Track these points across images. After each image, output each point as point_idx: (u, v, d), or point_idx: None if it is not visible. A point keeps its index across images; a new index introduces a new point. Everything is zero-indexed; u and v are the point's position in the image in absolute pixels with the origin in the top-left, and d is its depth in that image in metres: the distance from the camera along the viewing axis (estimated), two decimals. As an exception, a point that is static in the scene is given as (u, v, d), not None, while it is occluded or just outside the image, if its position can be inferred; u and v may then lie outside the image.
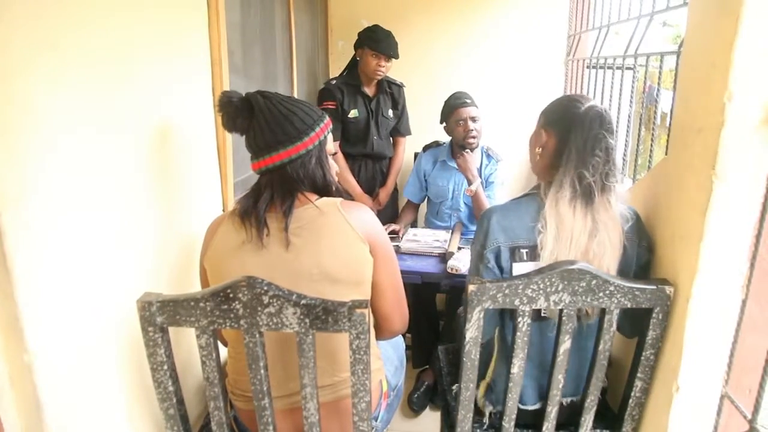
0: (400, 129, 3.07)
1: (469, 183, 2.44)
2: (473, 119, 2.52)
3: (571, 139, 1.27)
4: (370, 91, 2.90)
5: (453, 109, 2.55)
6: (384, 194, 3.05)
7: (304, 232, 1.22)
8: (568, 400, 1.39)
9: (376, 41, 2.75)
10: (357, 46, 2.85)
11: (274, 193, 1.25)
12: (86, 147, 1.10)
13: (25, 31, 0.93)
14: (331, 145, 1.38)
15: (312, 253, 1.21)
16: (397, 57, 2.81)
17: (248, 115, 1.28)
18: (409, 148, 3.16)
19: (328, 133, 1.34)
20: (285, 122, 1.25)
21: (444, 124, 2.64)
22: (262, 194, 1.25)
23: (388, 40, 2.77)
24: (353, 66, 2.92)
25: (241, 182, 1.96)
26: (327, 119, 1.34)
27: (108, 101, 1.17)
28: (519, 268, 1.32)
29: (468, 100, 2.55)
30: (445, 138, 2.72)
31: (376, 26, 2.81)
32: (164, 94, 1.42)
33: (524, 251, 1.32)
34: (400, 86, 3.02)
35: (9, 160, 0.90)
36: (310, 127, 1.27)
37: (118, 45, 1.21)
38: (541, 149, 1.37)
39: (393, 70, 3.00)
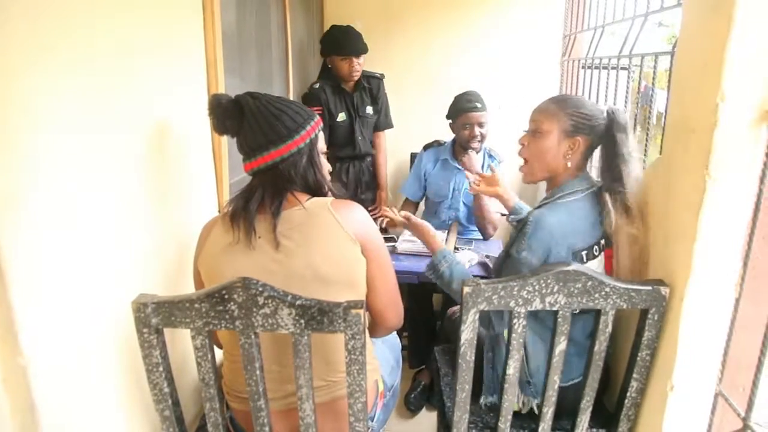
0: (380, 124, 3.04)
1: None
2: (481, 125, 2.52)
3: (611, 141, 1.41)
4: (348, 88, 2.88)
5: (462, 112, 2.54)
6: (383, 194, 3.06)
7: (294, 233, 1.22)
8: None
9: (340, 45, 2.73)
10: (324, 54, 2.84)
11: (264, 194, 1.24)
12: (82, 148, 1.10)
13: (23, 33, 0.93)
14: (323, 144, 1.38)
15: (303, 255, 1.20)
16: (365, 51, 2.78)
17: (238, 117, 1.28)
18: (405, 147, 3.17)
19: (319, 131, 1.34)
20: (275, 121, 1.25)
21: (450, 120, 2.64)
22: (253, 195, 1.25)
23: (351, 38, 2.74)
24: (327, 70, 2.88)
25: (236, 183, 1.95)
26: (317, 118, 1.34)
27: (104, 102, 1.17)
28: None
29: (479, 104, 2.53)
30: (444, 136, 2.72)
31: (332, 28, 2.80)
32: (160, 95, 1.42)
33: (584, 253, 1.37)
34: (379, 79, 2.98)
35: (5, 161, 0.90)
36: (301, 126, 1.27)
37: (115, 47, 1.20)
38: (571, 153, 1.45)
39: (387, 67, 2.99)
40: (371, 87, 2.95)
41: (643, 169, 1.69)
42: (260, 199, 1.24)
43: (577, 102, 1.46)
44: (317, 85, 2.83)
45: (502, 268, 1.47)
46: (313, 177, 1.32)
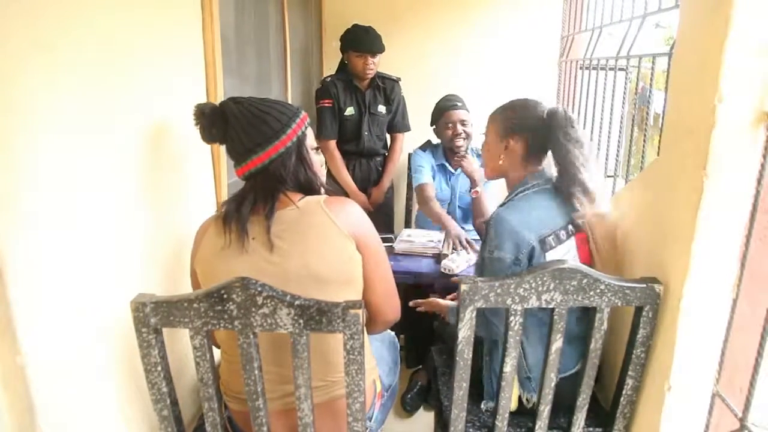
0: (396, 125, 3.05)
1: (474, 185, 2.45)
2: (462, 122, 2.52)
3: (551, 136, 1.46)
4: (362, 86, 2.91)
5: (443, 112, 2.55)
6: (377, 193, 3.04)
7: (288, 234, 1.22)
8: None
9: (358, 42, 2.77)
10: (342, 50, 2.89)
11: (257, 197, 1.24)
12: (81, 148, 1.10)
13: (21, 32, 0.93)
14: (312, 140, 1.37)
15: (298, 255, 1.20)
16: (381, 51, 2.81)
17: (223, 124, 1.28)
18: (404, 148, 3.14)
19: (306, 128, 1.33)
20: (260, 123, 1.25)
21: (434, 126, 2.65)
22: (245, 199, 1.24)
23: (369, 37, 2.78)
24: (344, 65, 2.94)
25: (234, 183, 1.95)
26: (303, 114, 1.33)
27: (102, 102, 1.17)
28: (553, 255, 1.41)
29: (458, 103, 2.55)
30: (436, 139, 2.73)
31: (354, 26, 2.83)
32: (158, 95, 1.42)
33: (550, 238, 1.42)
34: (395, 81, 3.01)
35: (4, 160, 0.90)
36: (286, 125, 1.27)
37: (114, 46, 1.21)
38: (503, 154, 1.53)
39: (386, 67, 3.00)
40: (385, 87, 2.97)
41: (640, 170, 1.70)
42: (253, 202, 1.24)
43: (516, 104, 1.56)
44: (329, 79, 2.89)
45: (482, 271, 1.49)
46: (304, 174, 1.31)
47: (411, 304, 1.86)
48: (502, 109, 1.57)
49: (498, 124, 1.55)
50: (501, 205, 1.51)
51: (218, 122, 1.28)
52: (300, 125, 1.31)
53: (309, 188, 1.32)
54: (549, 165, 1.56)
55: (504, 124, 1.53)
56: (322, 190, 1.35)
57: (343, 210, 1.26)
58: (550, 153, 1.52)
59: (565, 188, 1.45)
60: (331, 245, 1.22)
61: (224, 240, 1.22)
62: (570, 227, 1.47)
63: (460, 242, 2.27)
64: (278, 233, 1.21)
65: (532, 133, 1.49)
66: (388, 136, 3.13)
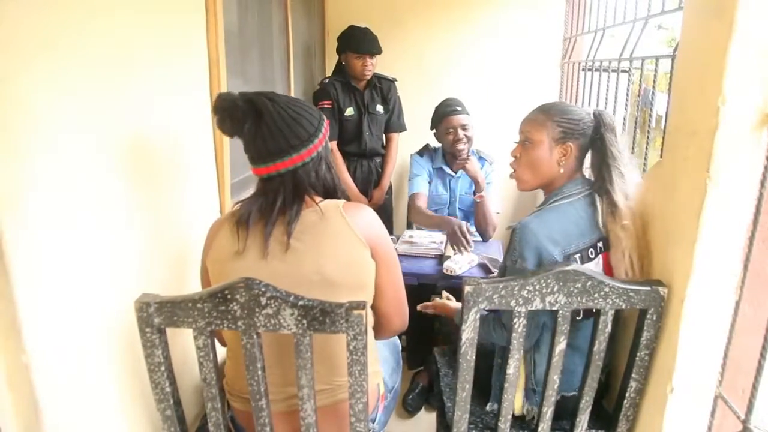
0: (392, 125, 3.06)
1: (478, 188, 2.45)
2: (463, 127, 2.52)
3: (595, 143, 1.44)
4: (360, 86, 2.92)
5: (443, 117, 2.54)
6: (378, 194, 3.05)
7: (305, 236, 1.21)
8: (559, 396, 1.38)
9: (356, 43, 2.78)
10: (339, 51, 2.89)
11: (285, 200, 1.22)
12: (84, 147, 1.10)
13: (24, 32, 0.93)
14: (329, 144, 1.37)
15: (313, 258, 1.19)
16: (379, 52, 2.82)
17: (256, 120, 1.21)
18: (404, 149, 3.16)
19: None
20: (296, 125, 1.22)
21: (434, 130, 2.64)
22: (273, 201, 1.21)
23: (367, 38, 2.79)
24: (340, 66, 2.95)
25: (237, 183, 1.96)
26: (326, 119, 1.32)
27: (106, 102, 1.17)
28: None
29: (459, 108, 2.54)
30: (436, 142, 2.73)
31: (351, 28, 2.84)
32: (162, 95, 1.42)
33: (577, 256, 1.36)
34: (391, 81, 3.02)
35: (7, 161, 0.91)
36: (318, 129, 1.25)
37: (117, 46, 1.21)
38: (564, 159, 1.46)
39: (388, 69, 3.01)
40: (382, 87, 2.98)
41: (643, 172, 1.70)
42: (282, 205, 1.21)
43: (564, 108, 1.48)
44: (327, 81, 2.89)
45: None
46: (331, 180, 1.31)
47: (419, 307, 1.85)
48: (549, 113, 1.47)
49: (553, 130, 1.44)
50: (532, 213, 1.46)
51: (252, 117, 1.21)
52: (327, 130, 1.29)
53: (333, 193, 1.31)
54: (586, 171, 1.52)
55: (561, 128, 1.44)
56: (341, 196, 1.34)
57: (360, 216, 1.25)
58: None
59: (605, 188, 1.39)
60: (346, 250, 1.22)
61: (238, 245, 1.21)
62: (600, 245, 1.40)
63: (462, 233, 2.23)
64: (296, 235, 1.20)
65: (584, 138, 1.45)
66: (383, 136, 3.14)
